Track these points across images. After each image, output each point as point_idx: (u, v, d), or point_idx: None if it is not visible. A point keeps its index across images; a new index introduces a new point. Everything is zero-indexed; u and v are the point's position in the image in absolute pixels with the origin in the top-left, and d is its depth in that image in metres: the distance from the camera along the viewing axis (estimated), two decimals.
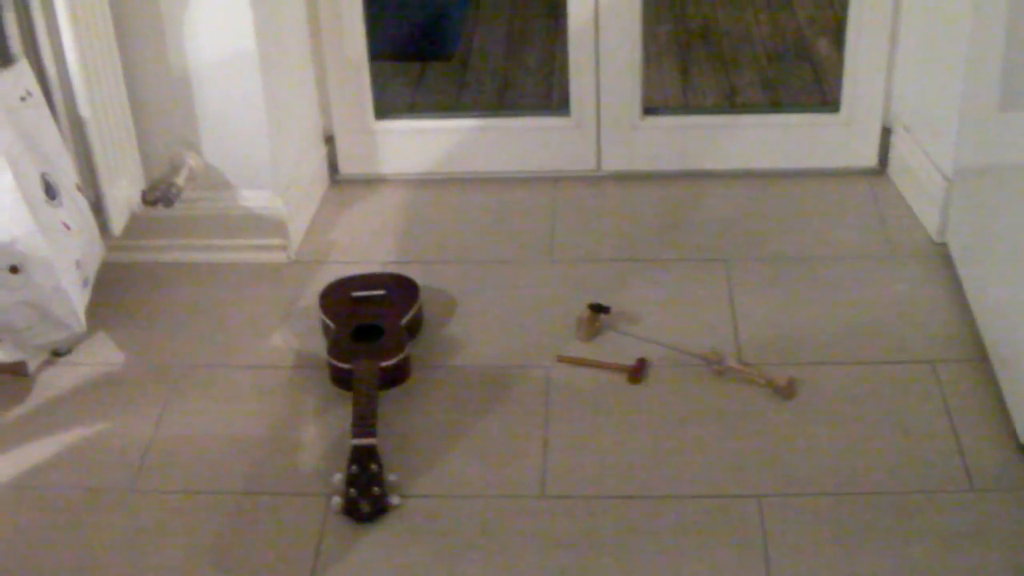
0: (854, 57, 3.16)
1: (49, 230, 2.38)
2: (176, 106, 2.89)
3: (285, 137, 3.02)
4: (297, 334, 2.82)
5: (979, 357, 2.64)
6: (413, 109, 3.52)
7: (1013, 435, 2.42)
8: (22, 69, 2.49)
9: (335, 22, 3.14)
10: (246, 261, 3.03)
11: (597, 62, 3.17)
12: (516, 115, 3.39)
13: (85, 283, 2.52)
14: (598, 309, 2.79)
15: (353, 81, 3.22)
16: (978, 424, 2.49)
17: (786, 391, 2.59)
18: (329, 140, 3.32)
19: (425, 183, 3.33)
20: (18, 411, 2.65)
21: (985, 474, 2.37)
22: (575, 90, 3.23)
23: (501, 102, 3.70)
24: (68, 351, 2.78)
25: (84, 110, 2.61)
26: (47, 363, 2.76)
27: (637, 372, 2.65)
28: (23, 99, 2.46)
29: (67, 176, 2.54)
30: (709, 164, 3.28)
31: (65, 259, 2.41)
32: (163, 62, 2.84)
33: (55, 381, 2.72)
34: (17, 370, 2.71)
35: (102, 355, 2.79)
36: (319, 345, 2.76)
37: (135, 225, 2.89)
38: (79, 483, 2.45)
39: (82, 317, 2.46)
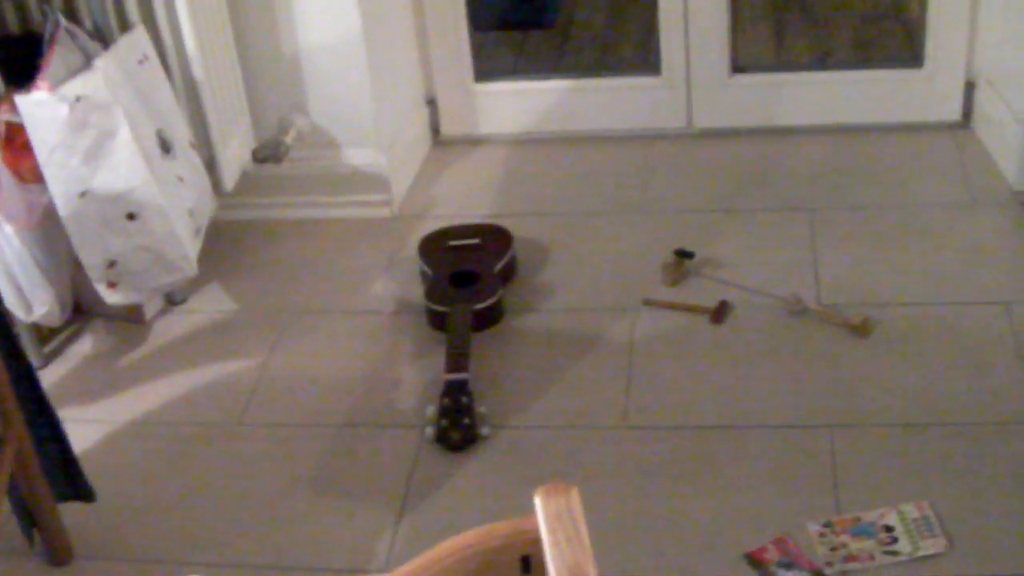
0: (938, 13, 3.22)
1: (163, 181, 2.56)
2: (285, 71, 3.07)
3: (388, 99, 3.18)
4: (398, 283, 2.99)
5: None
6: (515, 74, 3.64)
7: None
8: (139, 34, 2.68)
9: None
10: (351, 216, 3.20)
11: (686, 22, 3.28)
12: (609, 75, 3.52)
13: (197, 231, 2.70)
14: (683, 255, 2.91)
15: (453, 45, 3.37)
16: None
17: (862, 330, 2.68)
18: (431, 103, 3.47)
19: (522, 143, 3.47)
20: (135, 355, 2.86)
21: None
22: (665, 50, 3.34)
23: (600, 67, 3.82)
24: (183, 300, 2.97)
25: (198, 73, 2.79)
26: (162, 311, 2.96)
27: (719, 314, 2.77)
28: (140, 62, 2.65)
29: (181, 134, 2.73)
30: (796, 120, 3.37)
31: (178, 208, 2.60)
32: (273, 30, 3.02)
33: (169, 328, 2.92)
34: (134, 317, 2.91)
35: (214, 304, 2.98)
36: (418, 292, 2.91)
37: (247, 183, 3.07)
38: (191, 419, 2.65)
39: (194, 261, 2.65)
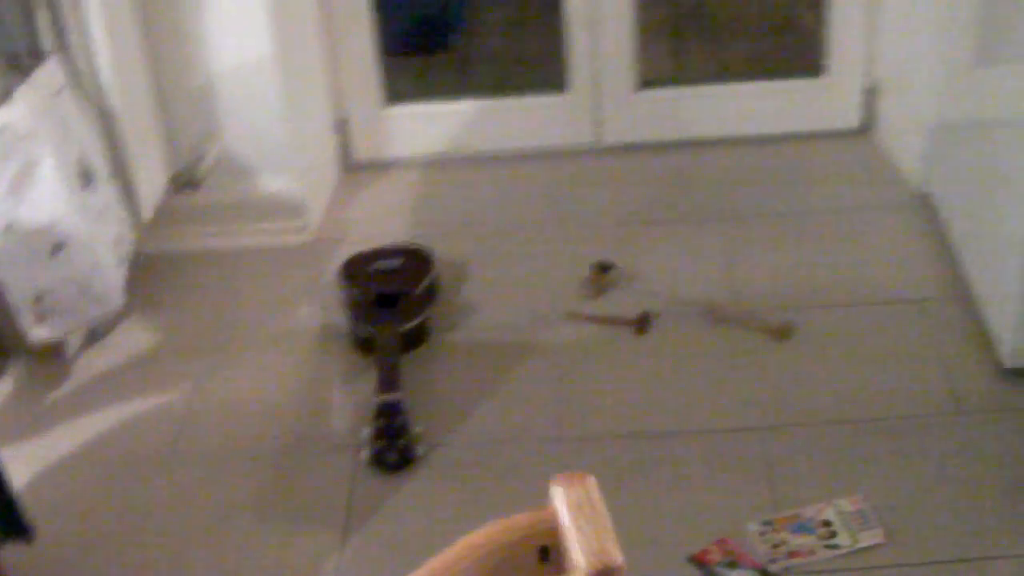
0: (836, 23, 3.32)
1: (87, 212, 2.54)
2: (199, 98, 3.06)
3: (301, 125, 3.19)
4: (321, 308, 2.98)
5: (962, 295, 2.80)
6: (417, 98, 3.66)
7: (997, 362, 2.57)
8: (55, 65, 2.66)
9: (345, 15, 3.30)
10: (269, 243, 3.19)
11: (593, 39, 3.33)
12: (517, 95, 3.56)
13: (120, 262, 2.68)
14: (603, 267, 2.95)
15: (363, 68, 3.39)
16: (964, 354, 2.64)
17: (782, 333, 2.74)
18: (342, 127, 3.47)
19: (433, 165, 3.49)
20: (61, 392, 2.81)
21: (973, 398, 2.54)
22: (573, 67, 3.39)
23: (503, 87, 3.86)
24: (104, 334, 2.94)
25: (114, 102, 2.77)
26: (84, 347, 2.92)
27: (642, 324, 2.81)
28: (57, 93, 2.62)
29: (100, 164, 2.70)
30: (703, 132, 3.44)
31: (103, 239, 2.58)
32: (187, 59, 3.01)
33: (93, 363, 2.88)
34: (56, 354, 2.86)
35: (137, 337, 2.95)
36: (342, 316, 2.91)
37: (164, 213, 3.05)
38: (124, 452, 2.61)
39: (121, 293, 2.62)
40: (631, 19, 3.32)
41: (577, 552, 1.01)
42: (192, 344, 2.91)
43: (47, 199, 2.46)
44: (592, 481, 1.06)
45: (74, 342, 2.88)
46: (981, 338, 2.66)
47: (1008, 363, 2.54)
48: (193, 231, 3.17)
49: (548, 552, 1.06)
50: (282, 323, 2.95)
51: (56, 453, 2.63)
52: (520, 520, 1.06)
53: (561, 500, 1.05)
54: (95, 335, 2.93)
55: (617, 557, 1.00)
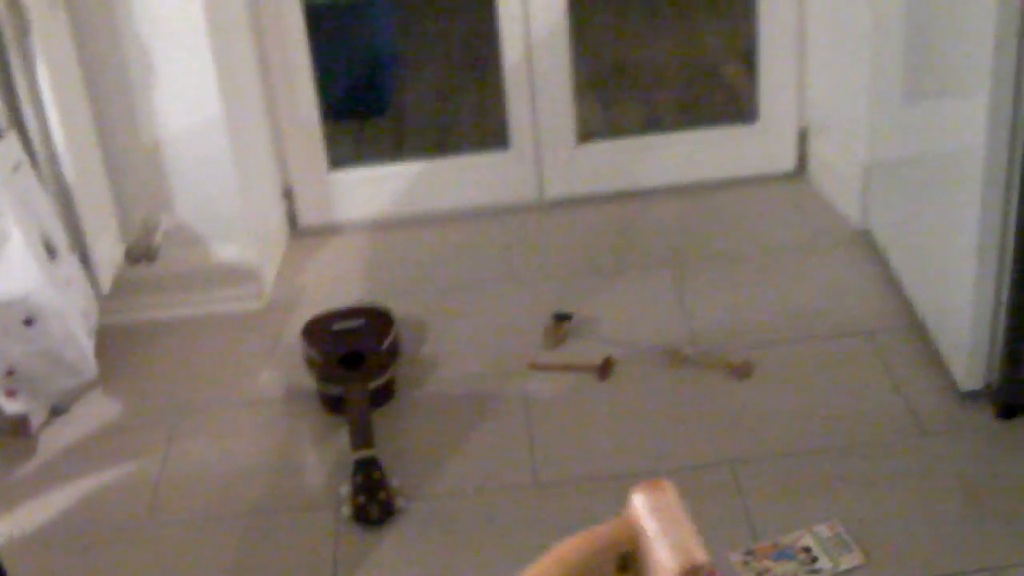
0: (767, 70, 3.43)
1: (56, 284, 2.55)
2: (150, 169, 3.07)
3: (251, 191, 3.21)
4: (283, 371, 3.00)
5: (911, 324, 2.89)
6: (358, 162, 3.70)
7: (953, 386, 2.67)
8: (11, 141, 2.66)
9: (287, 83, 3.34)
10: (224, 311, 3.19)
11: (532, 96, 3.41)
12: (460, 154, 3.62)
13: (89, 333, 2.69)
14: (561, 318, 3.01)
15: (307, 134, 3.43)
16: (919, 381, 2.74)
17: (743, 371, 2.82)
18: (287, 193, 3.50)
19: (380, 227, 3.52)
20: (28, 467, 2.80)
21: (933, 421, 2.63)
22: (513, 124, 3.46)
23: (438, 146, 3.92)
24: (66, 409, 2.93)
25: (69, 176, 2.78)
26: (47, 422, 2.91)
27: (604, 370, 2.87)
28: (15, 169, 2.63)
29: (60, 238, 2.71)
30: (643, 182, 3.52)
31: (73, 310, 2.58)
32: (135, 129, 3.03)
33: (58, 438, 2.87)
34: (20, 431, 2.85)
35: (100, 409, 2.94)
36: (305, 378, 2.93)
37: (120, 286, 3.05)
38: (98, 523, 2.61)
39: (93, 363, 2.62)
40: (569, 75, 3.40)
41: (665, 554, 1.05)
42: (157, 413, 2.90)
43: (17, 272, 2.46)
44: (670, 485, 1.10)
45: (38, 417, 2.87)
46: (935, 364, 2.75)
47: (964, 386, 2.64)
48: (150, 302, 3.17)
49: (627, 560, 1.10)
50: (246, 388, 2.96)
51: (29, 527, 2.61)
52: (603, 529, 1.10)
53: (643, 506, 1.09)
54: (57, 409, 2.92)
55: (703, 555, 1.04)
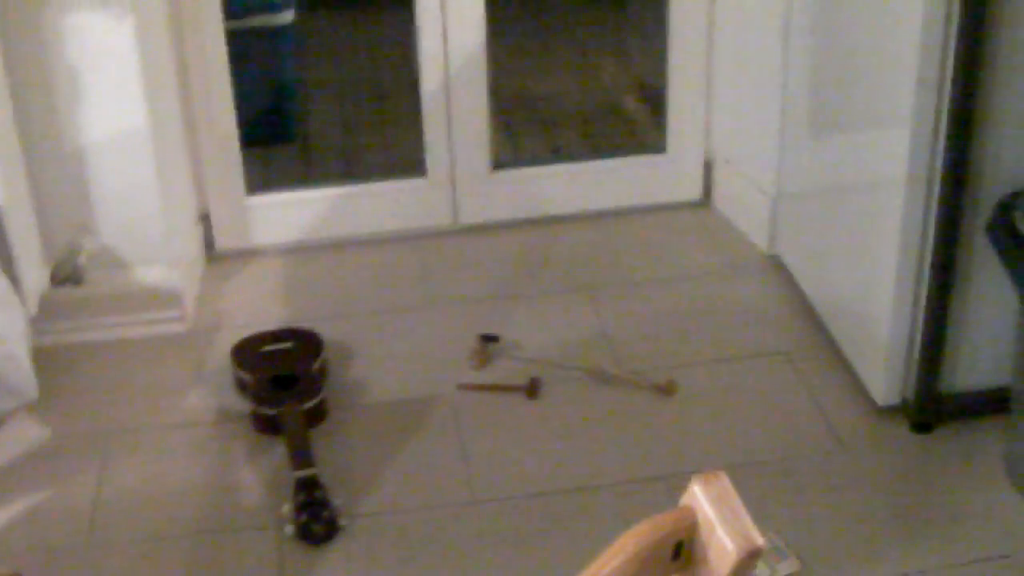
0: (675, 103, 3.56)
1: None
2: (74, 191, 3.06)
3: (174, 215, 3.22)
4: (211, 393, 3.01)
5: (826, 344, 3.03)
6: (268, 189, 3.72)
7: (870, 402, 2.80)
8: None
9: (206, 104, 3.36)
10: (147, 334, 3.18)
11: (449, 125, 3.48)
12: (377, 180, 3.67)
13: (28, 354, 2.67)
14: (488, 339, 3.08)
15: (225, 159, 3.44)
16: (837, 398, 2.87)
17: (668, 389, 2.92)
18: (204, 217, 3.51)
19: (297, 252, 3.55)
20: None
21: (852, 436, 2.77)
22: (430, 152, 3.53)
23: (346, 175, 3.97)
24: None
25: (0, 197, 2.77)
26: None
27: (532, 389, 2.94)
28: None
29: None
30: (556, 209, 3.61)
31: (11, 331, 2.57)
32: (60, 150, 3.01)
33: None
34: None
35: (29, 431, 2.90)
36: (235, 400, 2.95)
37: (44, 308, 3.03)
38: (36, 546, 2.58)
39: (35, 384, 2.61)
40: (485, 105, 3.48)
41: (725, 539, 1.13)
42: (88, 436, 2.89)
43: None
44: (726, 477, 1.18)
45: None
46: (851, 382, 2.88)
47: (880, 402, 2.77)
48: (74, 325, 3.15)
49: (680, 548, 1.18)
50: (176, 410, 2.97)
51: None
52: (665, 518, 1.17)
53: (702, 496, 1.17)
54: None
55: (761, 540, 1.12)
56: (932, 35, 2.43)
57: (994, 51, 2.42)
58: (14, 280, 2.84)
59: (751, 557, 1.13)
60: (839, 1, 2.90)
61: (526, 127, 4.19)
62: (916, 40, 2.45)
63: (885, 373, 2.75)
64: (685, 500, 1.19)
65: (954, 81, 2.43)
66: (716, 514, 1.15)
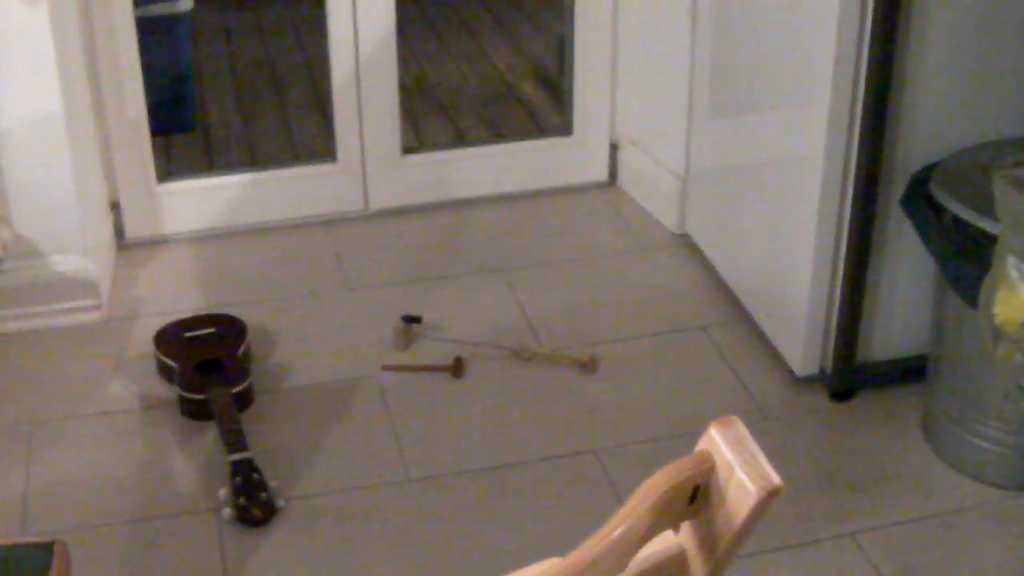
0: (580, 86, 3.62)
1: None
2: None
3: (88, 203, 3.19)
4: (134, 380, 2.99)
5: (741, 318, 3.12)
6: (171, 178, 3.69)
7: (789, 373, 2.90)
8: None
9: (116, 90, 3.33)
10: (63, 323, 3.15)
11: (360, 110, 3.49)
12: (287, 166, 3.68)
13: None
14: (410, 320, 3.10)
15: (136, 147, 3.41)
16: (756, 369, 2.96)
17: (590, 365, 2.98)
18: (115, 205, 3.47)
19: (209, 238, 3.53)
20: None
21: (774, 406, 2.85)
22: (340, 137, 3.54)
23: (250, 161, 3.96)
24: None
25: None
26: None
27: (457, 369, 2.98)
28: None
29: None
30: (466, 192, 3.65)
31: None
32: None
33: None
34: None
35: None
36: (159, 386, 2.94)
37: None
38: None
39: None
40: (394, 91, 3.50)
41: (745, 479, 1.18)
42: (10, 427, 2.85)
43: None
44: (739, 421, 1.23)
45: None
46: (769, 354, 2.98)
47: (799, 372, 2.87)
48: None
49: (697, 492, 1.23)
50: (99, 399, 2.94)
51: None
52: (686, 462, 1.22)
53: (720, 440, 1.22)
54: None
55: (779, 479, 1.18)
56: (849, 12, 2.52)
57: (908, 26, 2.52)
58: None
59: (771, 496, 1.18)
60: None
61: (427, 114, 4.22)
62: (834, 16, 2.53)
63: (803, 344, 2.84)
64: (702, 444, 1.24)
65: (870, 58, 2.52)
66: (735, 456, 1.20)
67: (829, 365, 2.83)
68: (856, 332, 2.77)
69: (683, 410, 2.85)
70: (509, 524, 2.56)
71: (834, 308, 2.77)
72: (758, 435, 2.85)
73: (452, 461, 2.73)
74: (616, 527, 1.18)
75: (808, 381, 2.87)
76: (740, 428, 1.23)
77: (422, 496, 2.64)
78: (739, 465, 1.20)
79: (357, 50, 3.43)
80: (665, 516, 1.23)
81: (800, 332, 2.83)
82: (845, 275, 2.72)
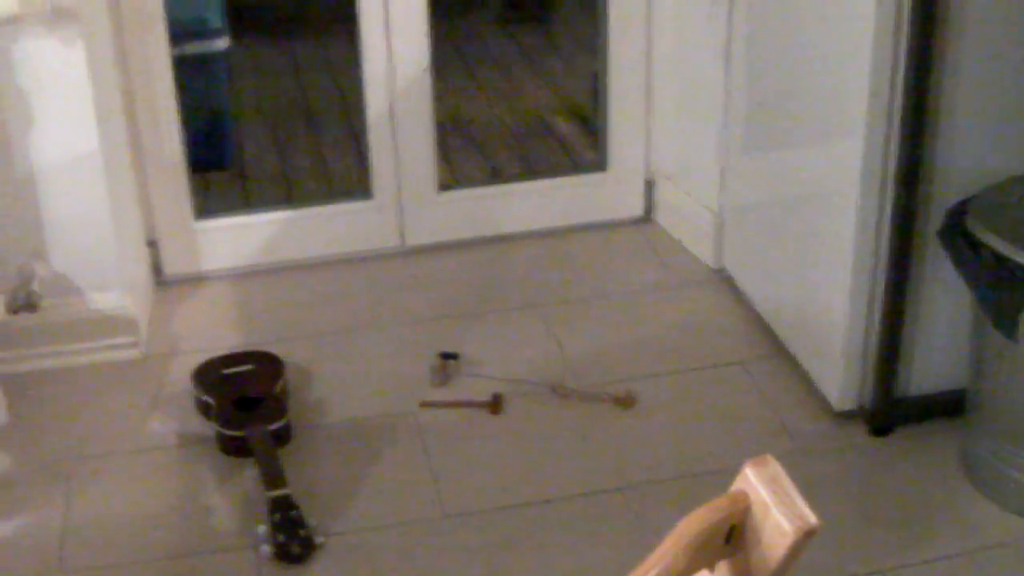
0: (615, 122, 3.63)
1: None
2: (24, 215, 3.04)
3: (125, 240, 3.21)
4: (172, 417, 3.00)
5: (779, 353, 3.10)
6: (209, 215, 3.71)
7: (827, 407, 2.88)
8: None
9: (154, 128, 3.36)
10: (102, 361, 3.16)
11: (395, 147, 3.51)
12: (322, 204, 3.70)
13: None
14: (448, 357, 3.11)
15: (173, 184, 3.44)
16: (794, 405, 2.95)
17: (627, 402, 2.97)
18: (152, 243, 3.49)
19: (246, 276, 3.54)
20: None
21: (812, 441, 2.84)
22: (375, 174, 3.55)
23: (286, 199, 3.97)
24: None
25: None
26: None
27: (495, 405, 2.98)
28: None
29: None
30: (502, 229, 3.66)
31: None
32: (11, 174, 2.99)
33: None
34: None
35: None
36: (197, 423, 2.95)
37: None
38: (5, 573, 2.56)
39: (4, 409, 2.59)
40: (430, 125, 3.52)
41: (781, 519, 1.17)
42: (50, 463, 2.86)
43: None
44: (775, 461, 1.23)
45: None
46: (807, 388, 2.96)
47: (837, 407, 2.85)
48: (29, 352, 3.12)
49: (733, 531, 1.22)
50: (138, 436, 2.95)
51: None
52: (722, 501, 1.22)
53: (755, 479, 1.21)
54: None
55: (815, 519, 1.18)
56: (883, 46, 2.52)
57: (943, 59, 2.52)
58: None
59: (807, 536, 1.18)
60: (782, 14, 2.99)
61: (462, 150, 4.24)
62: (867, 51, 2.53)
63: (841, 379, 2.83)
64: (738, 484, 1.23)
65: (905, 91, 2.52)
66: (771, 496, 1.20)
67: (868, 400, 2.81)
68: (895, 367, 2.75)
69: (720, 447, 2.84)
70: (543, 562, 2.56)
71: (872, 342, 2.76)
72: (796, 471, 2.83)
73: (488, 497, 2.73)
74: (652, 567, 1.18)
75: (847, 416, 2.86)
76: (775, 467, 1.23)
77: (457, 532, 2.64)
78: (775, 505, 1.19)
79: (392, 87, 3.45)
80: (701, 556, 1.23)
81: (838, 367, 2.82)
82: (883, 309, 2.71)
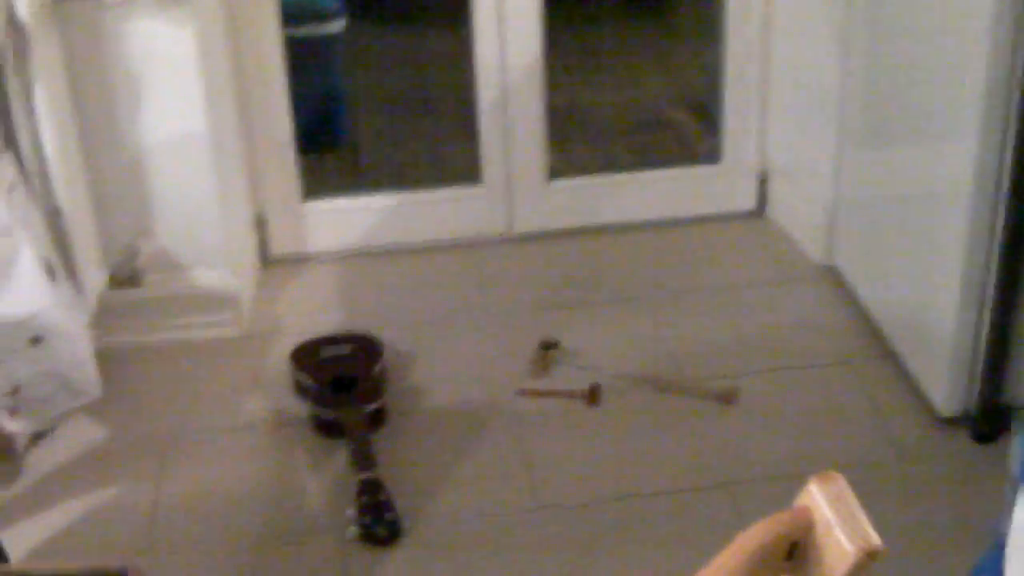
0: (731, 115, 3.58)
1: (60, 305, 2.55)
2: (133, 193, 3.08)
3: (231, 218, 3.23)
4: (269, 396, 3.01)
5: (885, 353, 3.02)
6: (317, 196, 3.72)
7: (931, 412, 2.79)
8: (6, 163, 2.65)
9: (264, 109, 3.38)
10: (203, 337, 3.19)
11: (505, 135, 3.49)
12: (432, 188, 3.69)
13: (90, 354, 2.68)
14: (548, 346, 3.08)
15: (281, 164, 3.46)
16: (898, 407, 2.86)
17: (728, 398, 2.91)
18: (260, 222, 3.52)
19: (351, 258, 3.55)
20: (15, 490, 2.77)
21: (914, 447, 2.76)
22: (486, 160, 3.54)
23: (396, 182, 3.97)
24: (51, 431, 2.90)
25: (61, 200, 2.78)
26: (31, 444, 2.88)
27: (593, 396, 2.94)
28: (11, 190, 2.62)
29: (55, 259, 2.71)
30: (611, 218, 3.62)
31: (78, 331, 2.58)
32: (120, 152, 3.04)
33: (44, 461, 2.84)
34: (5, 452, 2.82)
35: (86, 434, 2.91)
36: (293, 404, 2.95)
37: (102, 310, 3.05)
38: (94, 549, 2.59)
39: (98, 384, 2.62)
40: (542, 116, 3.50)
41: (844, 538, 1.12)
42: (146, 438, 2.89)
43: (27, 291, 2.46)
44: (841, 477, 1.17)
45: (22, 438, 2.84)
46: (911, 391, 2.88)
47: (943, 412, 2.76)
48: (130, 326, 3.15)
49: (795, 548, 1.17)
50: (234, 413, 2.97)
51: (20, 552, 2.57)
52: (782, 517, 1.17)
53: (819, 496, 1.16)
54: (40, 432, 2.89)
55: (879, 540, 1.12)
56: (1001, 43, 2.43)
57: None
58: (75, 281, 2.86)
59: (870, 557, 1.12)
60: (899, 10, 2.91)
61: (575, 138, 4.19)
62: (985, 48, 2.44)
63: (948, 384, 2.74)
64: (801, 500, 1.18)
65: (1022, 89, 2.43)
66: (834, 514, 1.14)
67: (974, 406, 2.72)
68: (1003, 373, 2.66)
69: (818, 448, 2.76)
70: (634, 557, 2.51)
71: (981, 347, 2.67)
72: (897, 474, 2.77)
73: (581, 490, 2.69)
74: None
75: (951, 422, 2.76)
76: (841, 484, 1.17)
77: (549, 524, 2.61)
78: (838, 523, 1.14)
79: (504, 75, 3.43)
80: (760, 571, 1.18)
81: (945, 371, 2.73)
82: (993, 313, 2.62)
